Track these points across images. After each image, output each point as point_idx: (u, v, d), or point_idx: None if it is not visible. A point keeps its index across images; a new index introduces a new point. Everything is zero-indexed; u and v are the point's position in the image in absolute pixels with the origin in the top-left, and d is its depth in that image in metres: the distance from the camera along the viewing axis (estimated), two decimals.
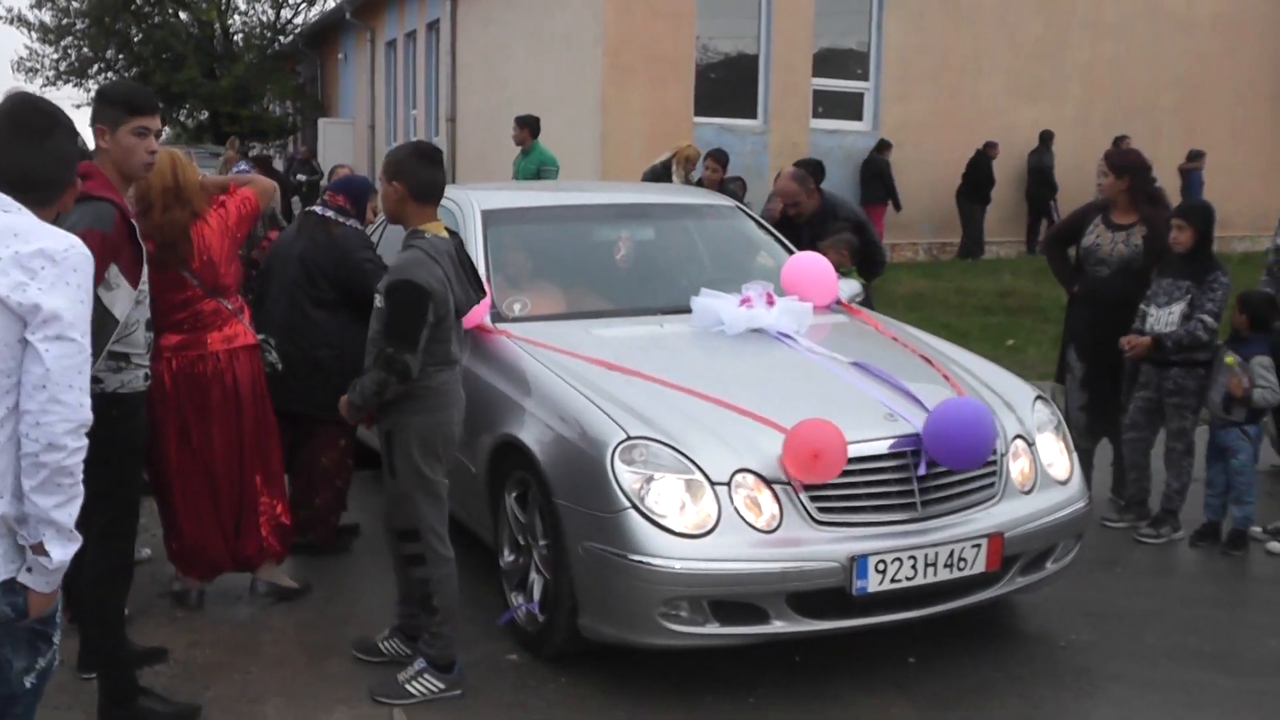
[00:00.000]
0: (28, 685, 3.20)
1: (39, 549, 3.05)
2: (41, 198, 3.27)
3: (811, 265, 7.04)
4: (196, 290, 5.79)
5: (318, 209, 6.79)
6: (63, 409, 2.99)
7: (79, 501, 3.10)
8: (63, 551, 3.08)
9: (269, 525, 6.17)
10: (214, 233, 5.81)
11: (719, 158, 12.99)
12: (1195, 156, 20.63)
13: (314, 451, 6.79)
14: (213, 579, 6.23)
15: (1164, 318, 7.10)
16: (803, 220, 8.67)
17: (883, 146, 19.25)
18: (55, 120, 3.34)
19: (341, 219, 6.67)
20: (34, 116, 3.31)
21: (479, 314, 6.02)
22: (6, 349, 3.01)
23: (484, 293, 5.51)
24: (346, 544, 7.05)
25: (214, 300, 5.86)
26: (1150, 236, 7.39)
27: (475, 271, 5.44)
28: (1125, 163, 7.61)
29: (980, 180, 19.83)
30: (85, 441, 3.07)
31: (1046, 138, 20.14)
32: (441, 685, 5.22)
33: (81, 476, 3.09)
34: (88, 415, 3.06)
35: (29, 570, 3.08)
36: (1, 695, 3.17)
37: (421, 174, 5.12)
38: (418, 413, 5.12)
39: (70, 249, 3.10)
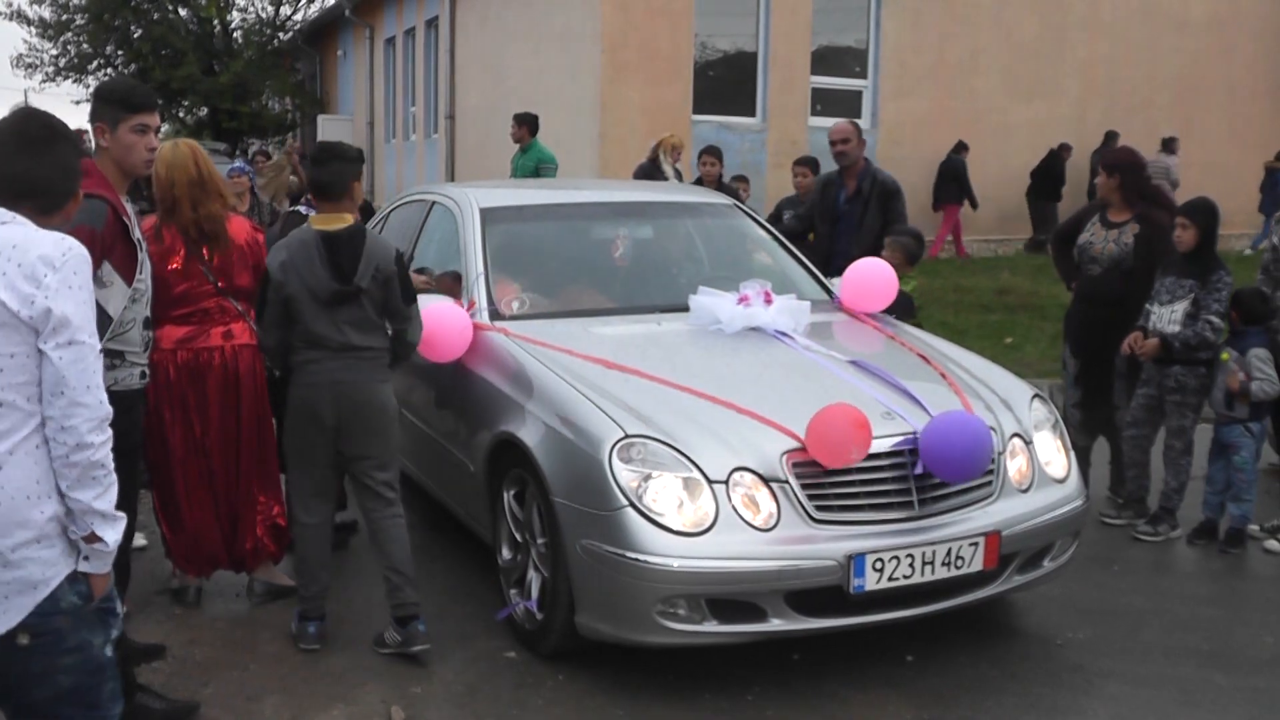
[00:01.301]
0: (109, 654, 3.39)
1: (92, 538, 3.22)
2: (42, 205, 3.34)
3: (875, 271, 7.11)
4: (210, 286, 5.82)
5: (301, 208, 6.76)
6: (84, 410, 3.13)
7: (116, 486, 3.25)
8: (114, 533, 3.25)
9: (264, 525, 6.17)
10: (236, 234, 5.88)
11: (715, 153, 12.89)
12: None
13: None
14: (209, 575, 6.24)
15: (1166, 315, 7.10)
16: (846, 164, 9.02)
17: (960, 148, 19.30)
18: (56, 132, 3.42)
19: None
20: (36, 129, 3.39)
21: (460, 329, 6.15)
22: (30, 360, 3.13)
23: (347, 282, 5.42)
24: (344, 541, 7.04)
25: (224, 298, 5.88)
26: (1141, 235, 7.40)
27: (353, 261, 5.43)
28: (1115, 161, 7.65)
29: (1055, 178, 19.99)
30: (109, 432, 3.20)
31: (1111, 138, 20.16)
32: (294, 630, 5.78)
33: (112, 465, 3.23)
34: (108, 409, 3.19)
35: (86, 559, 3.25)
36: (91, 670, 3.34)
37: (310, 173, 5.66)
38: (293, 386, 5.64)
39: (68, 251, 3.19)
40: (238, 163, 7.61)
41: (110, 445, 3.21)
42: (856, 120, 9.43)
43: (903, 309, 7.62)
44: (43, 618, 3.20)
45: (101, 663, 3.37)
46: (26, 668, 3.26)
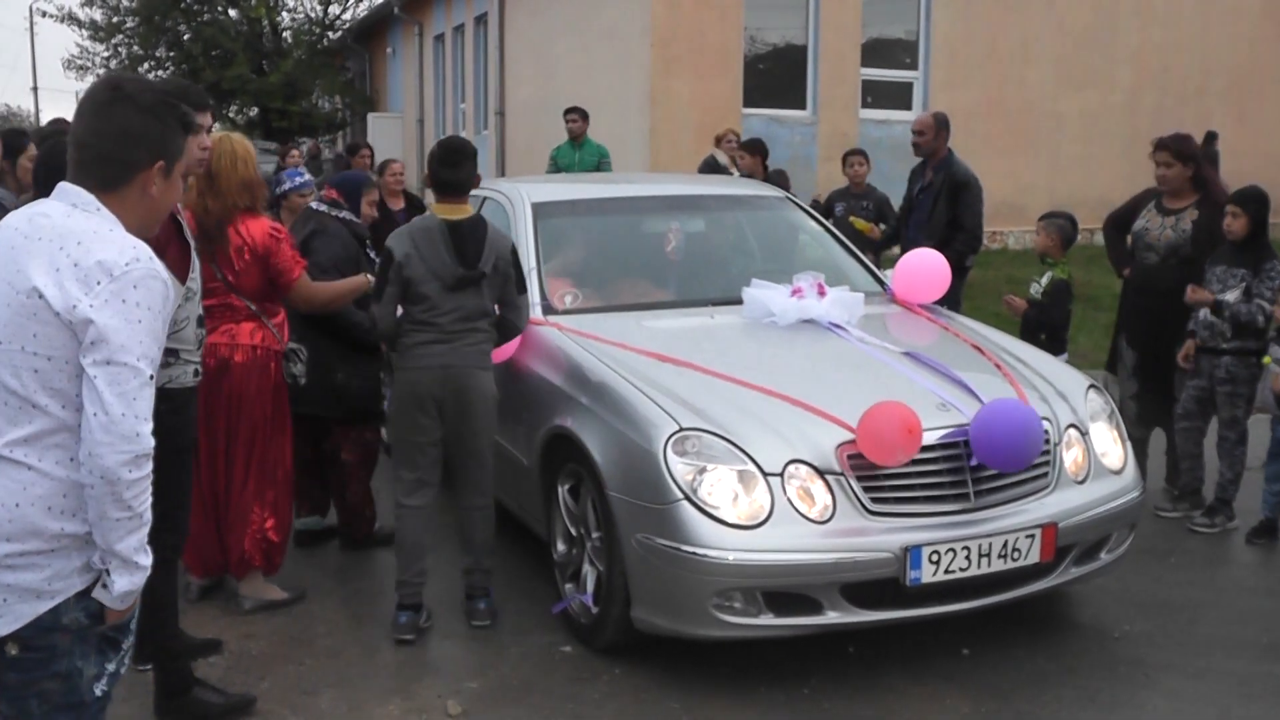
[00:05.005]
0: (97, 693, 3.05)
1: (107, 573, 2.93)
2: (103, 177, 3.02)
3: (927, 262, 7.09)
4: (218, 282, 5.71)
5: (313, 204, 6.77)
6: (114, 439, 2.83)
7: (144, 531, 2.96)
8: (127, 581, 2.95)
9: (253, 538, 6.01)
10: (251, 234, 5.78)
11: (749, 148, 12.30)
12: None
13: (334, 449, 6.87)
14: (201, 576, 6.20)
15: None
16: (921, 155, 9.31)
17: (1211, 138, 19.16)
18: (120, 93, 3.06)
19: (333, 211, 6.69)
20: (101, 90, 3.08)
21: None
22: (69, 366, 2.87)
23: (473, 267, 5.66)
24: (388, 538, 6.96)
25: (232, 294, 5.79)
26: (1201, 221, 7.33)
27: (477, 249, 5.69)
28: (1189, 150, 7.54)
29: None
30: (146, 471, 2.90)
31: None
32: (391, 622, 5.84)
33: (144, 507, 2.93)
34: (145, 445, 2.89)
35: (104, 587, 2.96)
36: (67, 705, 3.00)
37: (438, 173, 5.81)
38: (399, 370, 5.84)
39: (133, 263, 2.89)
40: (306, 176, 7.25)
41: (147, 484, 2.92)
42: (939, 112, 9.49)
43: (1062, 295, 7.64)
44: (40, 631, 2.92)
45: (82, 700, 3.02)
46: (4, 678, 2.96)
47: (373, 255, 6.78)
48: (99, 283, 2.85)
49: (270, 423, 5.98)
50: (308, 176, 7.28)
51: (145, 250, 2.96)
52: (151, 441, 2.91)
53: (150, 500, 2.96)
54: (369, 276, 6.25)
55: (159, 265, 2.97)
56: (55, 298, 2.84)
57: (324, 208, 6.76)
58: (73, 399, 2.89)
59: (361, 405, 6.81)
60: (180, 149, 3.17)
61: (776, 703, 5.12)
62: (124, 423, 2.84)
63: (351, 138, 34.55)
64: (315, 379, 6.22)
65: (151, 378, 2.92)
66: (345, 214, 6.75)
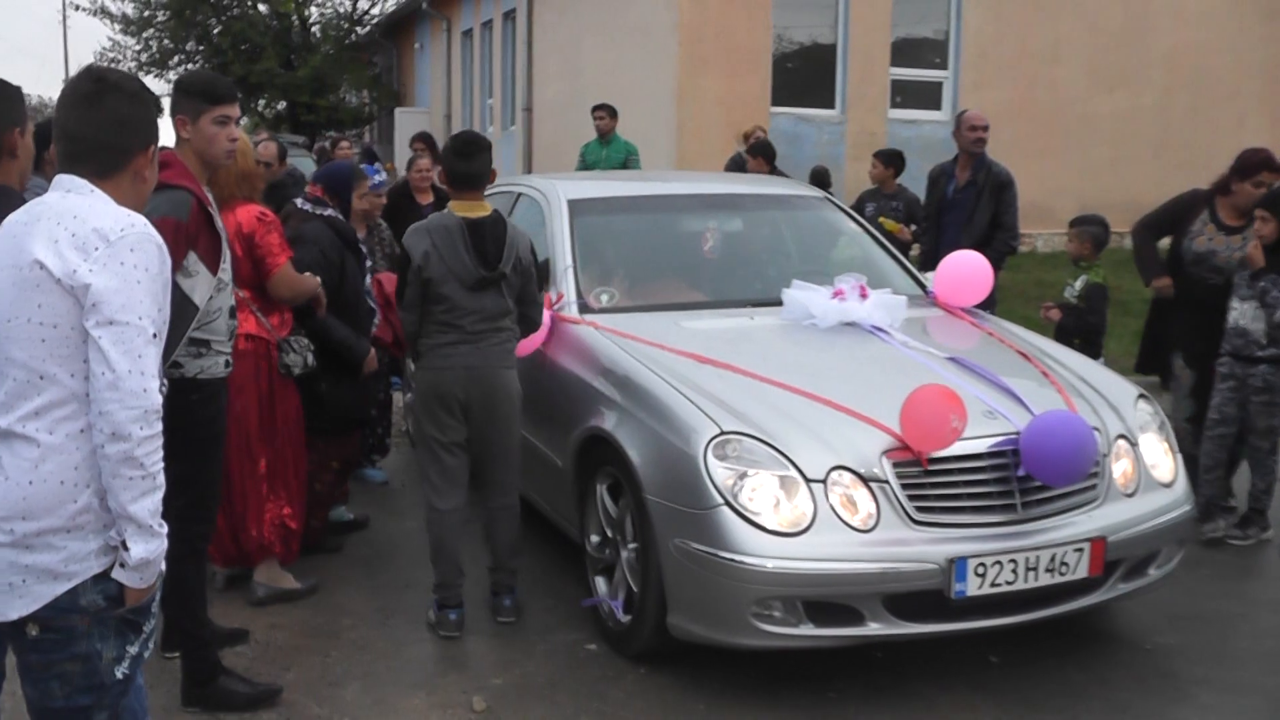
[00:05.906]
0: (119, 675, 3.11)
1: (124, 545, 2.99)
2: (98, 165, 3.12)
3: (970, 264, 6.98)
4: None
5: (298, 202, 6.61)
6: (125, 396, 2.90)
7: (158, 495, 3.01)
8: (144, 548, 2.99)
9: (271, 524, 6.01)
10: (241, 223, 5.69)
11: (754, 150, 12.32)
12: None
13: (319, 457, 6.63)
14: (224, 566, 6.19)
15: (1248, 311, 6.93)
16: (979, 151, 9.28)
17: None
18: (106, 84, 3.15)
19: (315, 209, 6.50)
20: (85, 83, 3.15)
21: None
22: (74, 333, 2.96)
23: (494, 268, 5.59)
24: (338, 544, 6.92)
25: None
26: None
27: (497, 248, 5.62)
28: None
29: None
30: (156, 429, 2.96)
31: None
32: (434, 619, 5.83)
33: (157, 467, 2.99)
34: (153, 400, 2.95)
35: (121, 565, 3.01)
36: (88, 688, 3.07)
37: (453, 166, 5.74)
38: (422, 370, 5.77)
39: (128, 229, 3.00)
40: (382, 175, 6.95)
41: (158, 443, 2.98)
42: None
43: (1097, 299, 7.55)
44: (58, 612, 2.99)
45: (103, 683, 3.09)
46: (27, 659, 3.08)
47: (365, 253, 6.70)
48: (96, 248, 2.95)
49: (268, 413, 5.95)
50: (383, 176, 7.11)
51: (140, 219, 3.07)
52: (159, 398, 2.99)
53: (162, 462, 3.03)
54: (317, 279, 6.10)
55: (154, 232, 3.07)
56: (55, 265, 2.94)
57: (307, 206, 6.54)
58: (81, 367, 2.98)
59: (345, 416, 6.61)
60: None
61: (802, 706, 5.06)
62: (131, 379, 2.92)
63: (375, 132, 34.67)
64: (298, 386, 6.11)
65: (155, 336, 3.00)
66: (329, 212, 6.53)
